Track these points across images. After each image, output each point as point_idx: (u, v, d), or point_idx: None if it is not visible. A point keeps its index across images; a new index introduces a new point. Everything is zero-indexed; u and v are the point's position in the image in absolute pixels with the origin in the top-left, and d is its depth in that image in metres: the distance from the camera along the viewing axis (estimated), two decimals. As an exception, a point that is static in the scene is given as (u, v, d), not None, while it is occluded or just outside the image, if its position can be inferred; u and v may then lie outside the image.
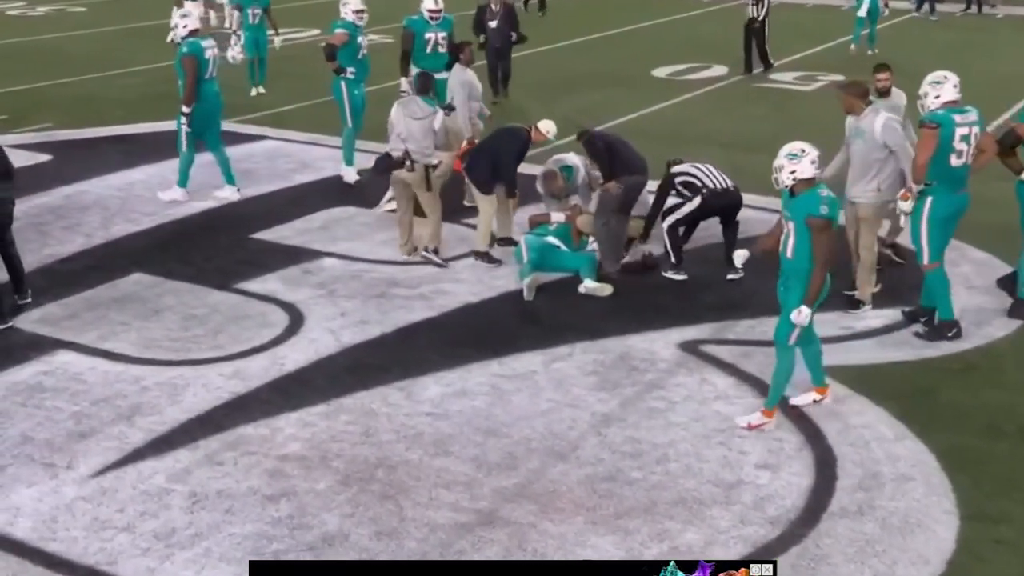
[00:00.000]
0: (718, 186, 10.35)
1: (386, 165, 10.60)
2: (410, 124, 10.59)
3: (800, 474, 6.99)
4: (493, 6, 17.39)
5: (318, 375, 8.30)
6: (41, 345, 8.74)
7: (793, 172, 7.16)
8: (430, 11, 13.42)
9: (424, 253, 10.76)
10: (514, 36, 17.33)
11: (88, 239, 11.19)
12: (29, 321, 9.20)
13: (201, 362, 8.49)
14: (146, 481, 6.86)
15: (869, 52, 23.55)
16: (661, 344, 8.82)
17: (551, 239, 10.36)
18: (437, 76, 13.32)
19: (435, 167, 10.72)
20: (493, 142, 10.72)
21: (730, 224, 10.52)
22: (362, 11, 13.14)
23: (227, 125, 15.67)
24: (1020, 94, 15.33)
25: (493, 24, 17.24)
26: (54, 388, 8.05)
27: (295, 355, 8.59)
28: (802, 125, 15.99)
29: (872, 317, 9.33)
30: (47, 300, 9.57)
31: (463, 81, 12.44)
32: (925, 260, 8.86)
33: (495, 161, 10.46)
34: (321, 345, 8.77)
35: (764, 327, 9.13)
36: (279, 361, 8.50)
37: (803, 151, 7.16)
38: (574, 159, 11.28)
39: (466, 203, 11.62)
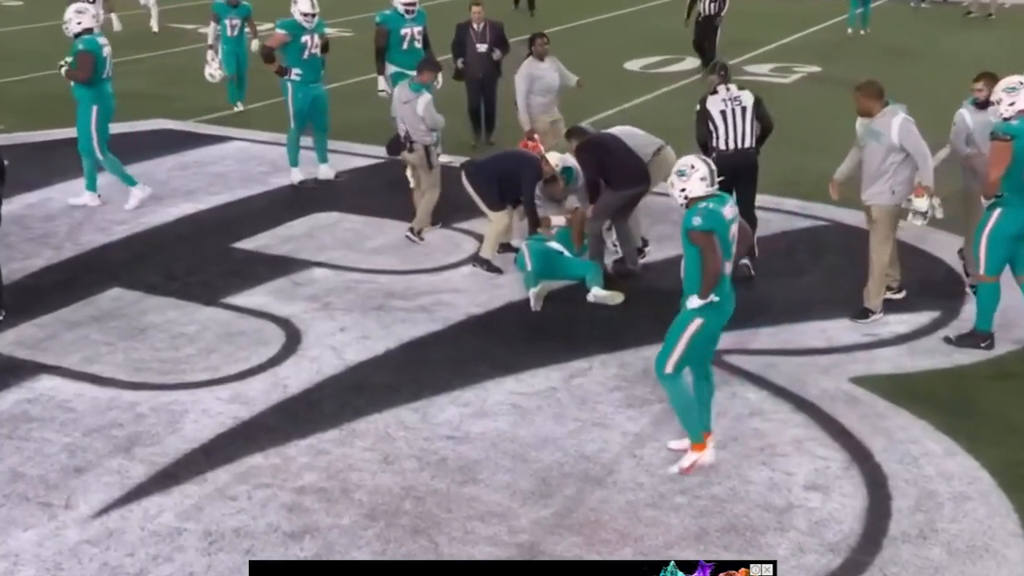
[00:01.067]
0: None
1: (396, 147, 10.81)
2: (401, 108, 10.80)
3: (852, 495, 6.71)
4: (475, 25, 14.11)
5: (325, 397, 7.89)
6: (20, 370, 8.24)
7: (683, 190, 6.68)
8: (405, 4, 12.99)
9: (408, 235, 10.70)
10: (497, 53, 14.09)
11: (57, 251, 10.67)
12: (4, 343, 8.69)
13: (197, 385, 8.05)
14: (154, 520, 6.42)
15: (862, 32, 23.46)
16: (683, 355, 8.49)
17: (554, 244, 10.03)
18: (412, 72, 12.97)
19: (436, 146, 10.91)
20: (504, 165, 10.29)
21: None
22: (311, 14, 12.62)
23: (190, 126, 15.27)
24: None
25: (482, 48, 13.90)
26: (41, 418, 7.57)
27: (297, 375, 8.18)
28: (787, 119, 15.77)
29: (896, 322, 9.09)
30: (20, 320, 9.06)
31: (527, 75, 12.20)
32: (982, 271, 8.52)
33: (509, 187, 10.12)
34: (324, 364, 8.36)
35: (787, 335, 8.92)
36: (281, 382, 8.08)
37: (692, 167, 6.68)
38: (573, 160, 10.94)
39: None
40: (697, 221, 6.56)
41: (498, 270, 10.09)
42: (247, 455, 7.11)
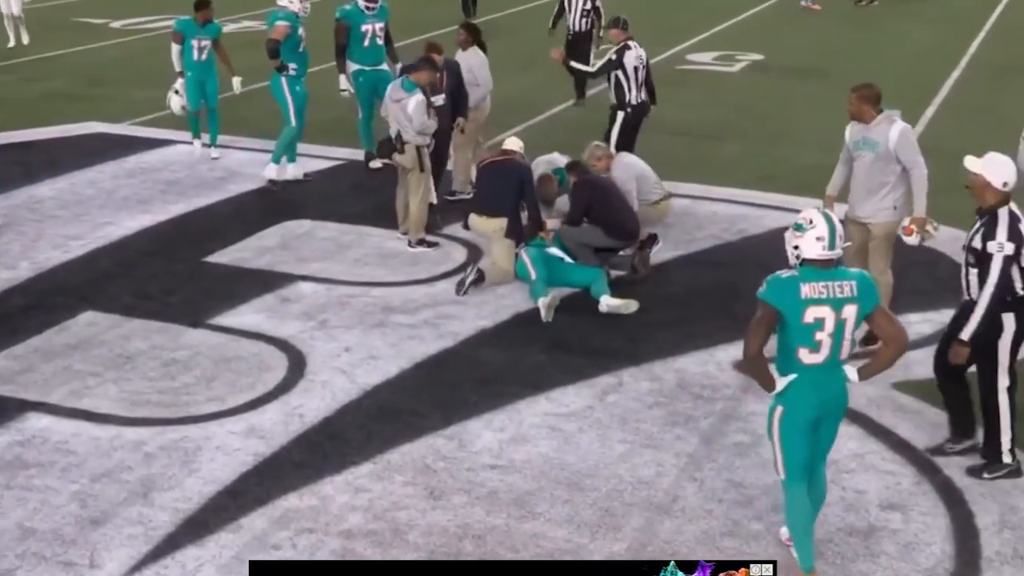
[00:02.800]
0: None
1: (388, 149, 10.29)
2: (392, 107, 10.26)
3: (931, 513, 6.46)
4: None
5: (347, 426, 7.39)
6: (3, 408, 7.58)
7: (796, 248, 5.59)
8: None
9: (411, 249, 10.25)
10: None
11: (14, 272, 9.93)
12: (-23, 378, 8.01)
13: (204, 418, 7.48)
14: (195, 576, 5.89)
15: (816, 7, 23.26)
16: (714, 366, 8.20)
17: (553, 250, 9.65)
18: (377, 68, 12.49)
19: (429, 147, 10.38)
20: (508, 178, 9.81)
21: None
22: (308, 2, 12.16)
23: (125, 129, 14.53)
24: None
25: (439, 101, 11.02)
26: (38, 463, 6.94)
27: (311, 403, 7.66)
28: (746, 110, 15.71)
29: (919, 322, 8.88)
30: (-10, 350, 8.38)
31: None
32: None
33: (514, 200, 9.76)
34: (337, 389, 7.85)
35: (814, 340, 8.60)
36: (296, 412, 7.56)
37: (811, 222, 5.54)
38: (564, 160, 10.59)
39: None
40: (762, 288, 5.53)
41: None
42: (279, 496, 6.59)
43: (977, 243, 6.54)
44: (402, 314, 9.08)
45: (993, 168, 6.50)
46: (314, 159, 13.10)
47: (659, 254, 10.16)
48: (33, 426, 7.36)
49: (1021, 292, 6.55)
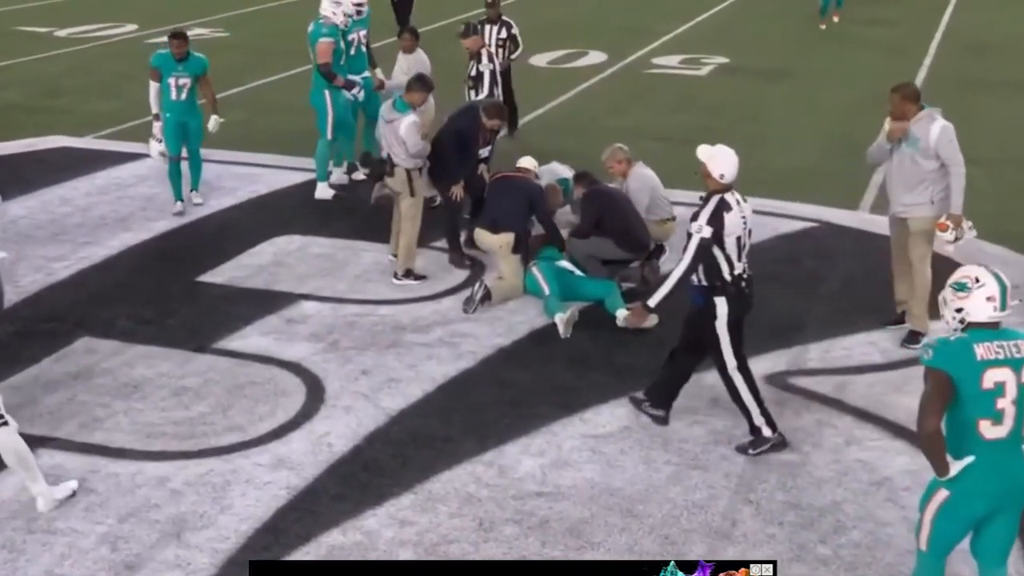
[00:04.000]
0: None
1: (378, 170, 9.89)
2: (383, 127, 9.78)
3: (996, 530, 6.29)
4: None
5: (379, 455, 7.10)
6: (11, 444, 7.15)
7: (959, 311, 4.95)
8: (356, 4, 12.06)
9: (395, 281, 9.68)
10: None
11: (-6, 297, 9.46)
12: (-23, 413, 7.57)
13: (227, 450, 7.14)
14: (247, 623, 5.55)
15: (835, 19, 22.92)
16: (745, 381, 8.00)
17: (564, 263, 9.41)
18: (360, 77, 12.20)
19: (420, 171, 9.76)
20: (518, 195, 9.56)
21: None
22: (361, 3, 11.95)
23: (91, 143, 14.08)
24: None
25: (485, 153, 10.55)
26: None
27: (338, 430, 7.36)
28: (722, 114, 15.59)
29: (938, 331, 8.70)
30: (-14, 381, 7.94)
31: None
32: None
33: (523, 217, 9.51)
34: (362, 415, 7.55)
35: (839, 351, 8.57)
36: (322, 440, 7.24)
37: (977, 280, 4.93)
38: (565, 170, 10.38)
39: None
40: (928, 354, 4.87)
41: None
42: (322, 533, 6.29)
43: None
44: (414, 333, 8.79)
45: (714, 161, 6.88)
46: (292, 172, 12.75)
47: (665, 264, 9.96)
48: (46, 463, 6.95)
49: (728, 277, 6.92)
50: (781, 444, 7.05)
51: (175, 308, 9.20)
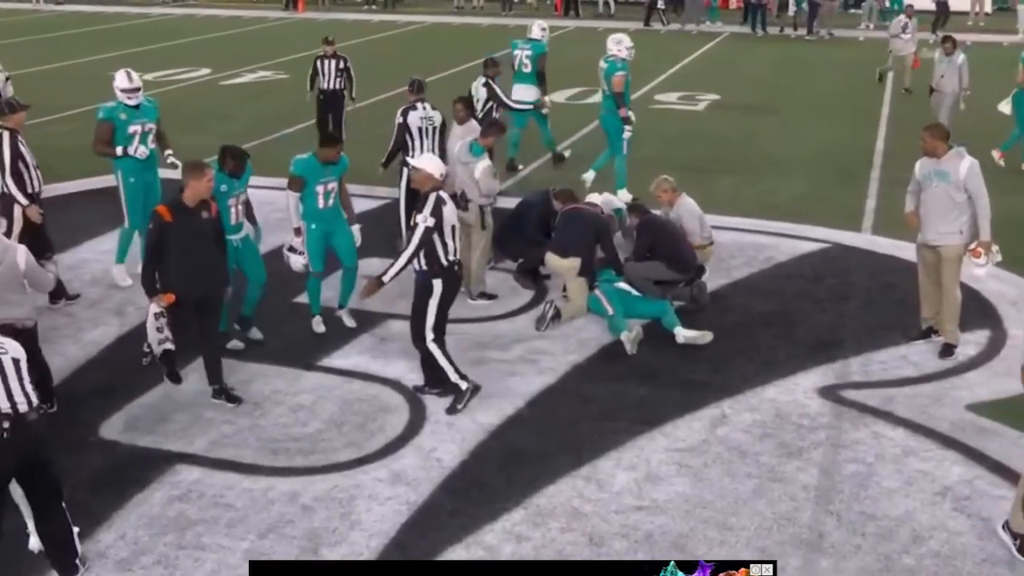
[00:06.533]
0: None
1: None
2: (459, 167, 9.06)
3: (1060, 539, 5.75)
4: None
5: (486, 469, 6.52)
6: (151, 460, 6.59)
7: None
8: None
9: (470, 301, 9.07)
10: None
11: (122, 317, 8.87)
12: (116, 430, 7.00)
13: (347, 465, 6.56)
14: (393, 641, 4.97)
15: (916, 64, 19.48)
16: (801, 394, 7.46)
17: (622, 284, 8.83)
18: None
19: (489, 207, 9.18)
20: (587, 227, 8.89)
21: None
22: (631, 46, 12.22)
23: (176, 173, 13.35)
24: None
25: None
26: (202, 519, 5.97)
27: (444, 446, 6.77)
28: (723, 144, 15.00)
29: (968, 342, 8.21)
30: (120, 400, 7.35)
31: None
32: None
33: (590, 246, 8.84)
34: (464, 431, 6.97)
35: (876, 364, 8.01)
36: (431, 456, 6.66)
37: None
38: (618, 201, 9.80)
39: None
40: None
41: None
42: (446, 548, 5.72)
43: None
44: (495, 350, 8.21)
45: (430, 164, 7.20)
46: (371, 199, 12.10)
47: (721, 276, 9.47)
48: (185, 479, 6.38)
49: (445, 262, 7.06)
50: (476, 388, 7.14)
51: (276, 327, 8.58)
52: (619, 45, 12.05)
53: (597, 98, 18.73)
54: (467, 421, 7.07)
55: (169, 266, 6.96)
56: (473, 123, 9.91)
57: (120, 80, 9.56)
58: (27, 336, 6.30)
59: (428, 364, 7.28)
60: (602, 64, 12.06)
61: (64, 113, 16.88)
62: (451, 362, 7.16)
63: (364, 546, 5.72)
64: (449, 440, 6.83)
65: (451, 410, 7.10)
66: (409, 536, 5.82)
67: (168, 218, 6.93)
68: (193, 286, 7.01)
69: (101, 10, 32.38)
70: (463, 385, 7.12)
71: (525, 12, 30.86)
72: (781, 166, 13.86)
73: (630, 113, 12.00)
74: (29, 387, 5.16)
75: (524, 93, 13.17)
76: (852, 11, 30.85)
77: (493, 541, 5.76)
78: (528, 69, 13.30)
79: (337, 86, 13.83)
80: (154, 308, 7.01)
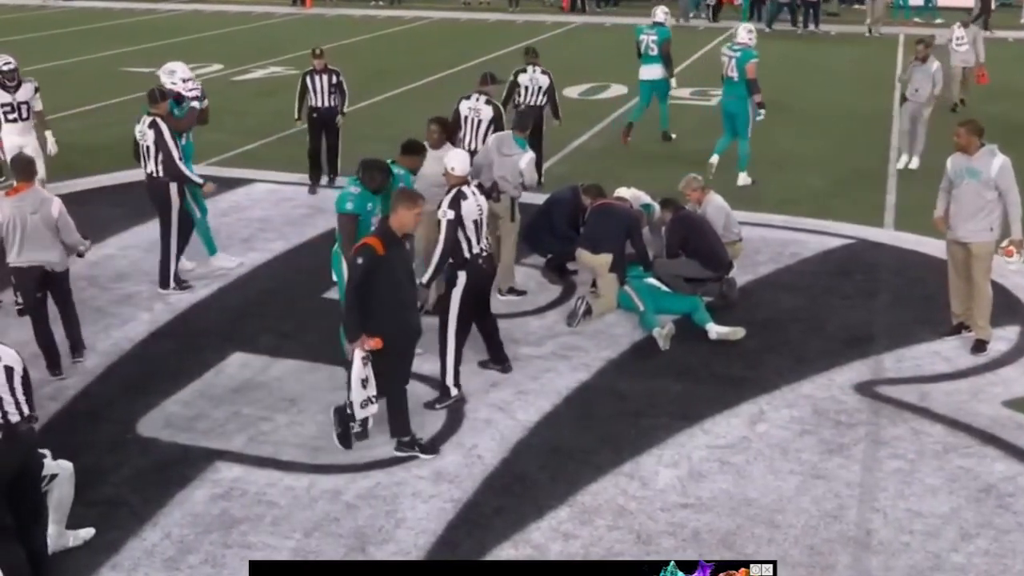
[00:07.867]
0: None
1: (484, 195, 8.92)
2: (500, 158, 8.90)
3: (1109, 536, 5.69)
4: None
5: (528, 468, 6.45)
6: (191, 458, 6.52)
7: None
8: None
9: (500, 297, 8.96)
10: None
11: (152, 313, 8.79)
12: (155, 426, 6.92)
13: (387, 463, 6.48)
14: (447, 641, 4.90)
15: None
16: (838, 390, 7.39)
17: (651, 280, 8.75)
18: None
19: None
20: (617, 221, 8.80)
21: None
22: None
23: (204, 169, 13.28)
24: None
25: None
26: (247, 517, 5.90)
27: (484, 443, 6.70)
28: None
29: (1000, 337, 8.14)
30: (156, 397, 7.27)
31: None
32: None
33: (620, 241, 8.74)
34: (502, 427, 6.89)
35: (910, 361, 7.98)
36: (473, 453, 6.59)
37: None
38: (645, 196, 9.71)
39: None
40: None
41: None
42: (495, 546, 5.65)
43: None
44: (529, 347, 8.13)
45: (453, 160, 7.21)
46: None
47: (746, 271, 9.40)
48: (226, 477, 6.30)
49: (468, 255, 7.03)
50: (461, 400, 7.11)
51: (309, 323, 8.51)
52: (750, 34, 12.49)
53: (609, 94, 18.92)
54: (505, 418, 7.00)
55: (375, 305, 6.18)
56: (449, 146, 8.53)
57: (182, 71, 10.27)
58: (58, 281, 7.45)
59: (491, 340, 7.48)
60: (730, 52, 12.40)
61: (76, 110, 16.80)
62: (456, 365, 7.10)
63: (412, 544, 5.64)
64: (489, 437, 6.76)
65: (429, 404, 7.06)
66: (455, 534, 5.75)
67: (381, 251, 6.16)
68: (401, 328, 6.33)
69: (110, 6, 32.21)
70: (452, 391, 7.11)
71: (532, 8, 30.73)
72: (795, 161, 13.77)
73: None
74: (21, 396, 5.00)
75: (650, 72, 14.32)
76: (856, 7, 30.65)
77: (541, 539, 5.69)
78: (655, 52, 14.23)
79: (331, 104, 12.11)
80: (359, 354, 6.21)
